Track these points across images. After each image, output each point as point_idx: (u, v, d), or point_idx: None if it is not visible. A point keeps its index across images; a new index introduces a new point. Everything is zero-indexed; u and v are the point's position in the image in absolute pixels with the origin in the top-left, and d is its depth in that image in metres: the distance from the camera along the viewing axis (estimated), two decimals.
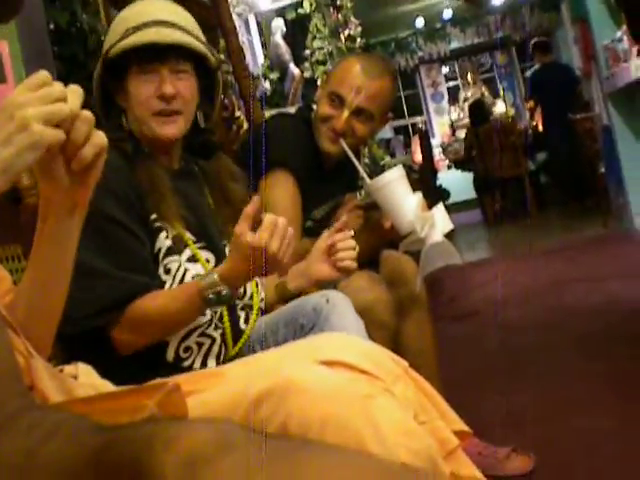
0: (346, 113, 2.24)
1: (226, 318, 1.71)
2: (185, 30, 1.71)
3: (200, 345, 1.67)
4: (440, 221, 2.07)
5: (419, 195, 2.09)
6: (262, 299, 1.87)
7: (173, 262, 1.65)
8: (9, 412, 0.67)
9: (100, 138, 1.06)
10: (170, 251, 1.65)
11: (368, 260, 2.25)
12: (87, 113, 1.04)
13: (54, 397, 1.12)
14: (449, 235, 2.12)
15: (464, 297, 5.16)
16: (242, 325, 1.78)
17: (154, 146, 1.74)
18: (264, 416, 1.12)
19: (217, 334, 1.69)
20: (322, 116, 2.28)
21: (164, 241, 1.65)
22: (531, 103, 9.80)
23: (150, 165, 1.71)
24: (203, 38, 1.77)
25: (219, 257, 1.73)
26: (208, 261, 1.70)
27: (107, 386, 1.33)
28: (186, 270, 1.65)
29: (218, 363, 1.69)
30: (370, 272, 2.20)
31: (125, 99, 1.73)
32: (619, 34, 5.84)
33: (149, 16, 1.69)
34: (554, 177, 9.84)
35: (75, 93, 1.04)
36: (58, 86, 1.03)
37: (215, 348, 1.68)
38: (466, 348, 3.82)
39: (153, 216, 1.65)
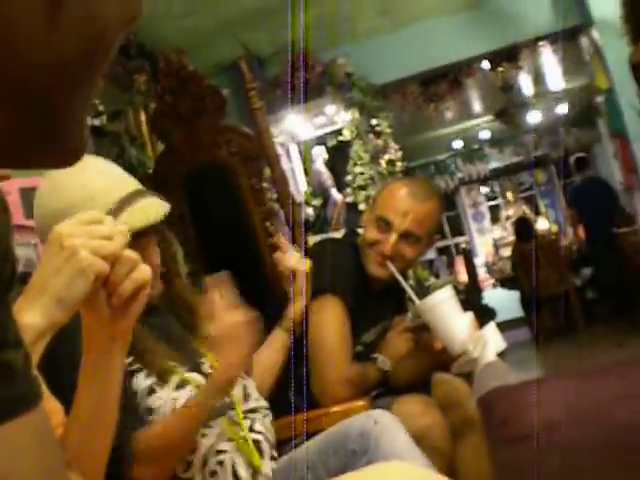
0: (394, 237, 2.24)
1: (231, 429, 1.69)
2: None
3: (222, 463, 1.65)
4: (492, 340, 2.06)
5: (470, 315, 2.08)
6: (257, 399, 1.84)
7: (157, 399, 1.63)
8: None
9: (142, 274, 1.09)
10: (152, 389, 1.64)
11: (419, 384, 2.22)
12: (130, 253, 1.09)
13: None
14: (499, 354, 2.10)
15: (516, 419, 5.03)
16: (255, 429, 1.75)
17: None
18: None
19: (229, 446, 1.67)
20: (370, 241, 2.28)
21: (144, 381, 1.64)
22: (572, 217, 9.77)
23: None
24: None
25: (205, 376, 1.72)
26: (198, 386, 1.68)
27: None
28: (175, 400, 1.63)
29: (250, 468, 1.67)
30: (423, 396, 2.17)
31: None
32: None
33: (124, 184, 1.64)
34: (601, 292, 9.73)
35: (121, 234, 1.09)
36: (106, 225, 1.08)
37: (237, 459, 1.66)
38: (521, 473, 3.69)
39: (129, 360, 1.62)
